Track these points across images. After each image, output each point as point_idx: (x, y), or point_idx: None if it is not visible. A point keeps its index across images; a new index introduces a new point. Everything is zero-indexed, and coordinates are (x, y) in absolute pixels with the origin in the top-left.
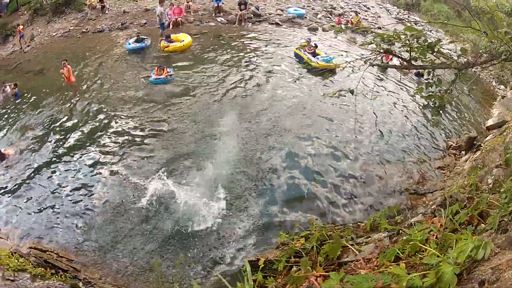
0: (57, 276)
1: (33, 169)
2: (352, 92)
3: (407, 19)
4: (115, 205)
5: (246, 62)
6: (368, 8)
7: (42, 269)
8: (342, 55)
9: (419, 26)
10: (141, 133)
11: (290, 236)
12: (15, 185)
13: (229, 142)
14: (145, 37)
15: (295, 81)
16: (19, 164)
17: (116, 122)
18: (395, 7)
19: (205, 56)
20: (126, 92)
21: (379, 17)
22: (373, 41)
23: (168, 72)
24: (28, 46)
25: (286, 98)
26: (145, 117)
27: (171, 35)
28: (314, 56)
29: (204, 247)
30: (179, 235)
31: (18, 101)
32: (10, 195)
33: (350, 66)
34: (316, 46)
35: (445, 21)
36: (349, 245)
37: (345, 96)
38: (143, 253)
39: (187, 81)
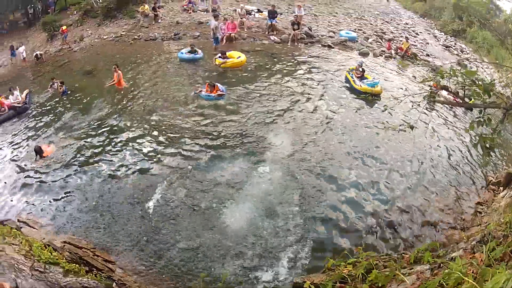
0: (91, 275)
1: (72, 168)
2: (412, 128)
3: (453, 46)
4: (155, 210)
5: (298, 83)
6: (417, 34)
7: (76, 265)
8: (401, 88)
9: (465, 54)
10: (187, 145)
11: (337, 262)
12: (53, 181)
13: (278, 163)
14: (198, 49)
15: (357, 111)
16: (59, 161)
17: (161, 132)
18: (442, 33)
19: (258, 74)
20: (175, 102)
21: (427, 43)
22: (433, 78)
23: (220, 89)
24: (69, 46)
25: (337, 124)
26: (193, 130)
27: (226, 52)
28: (361, 80)
29: (249, 264)
30: (225, 249)
31: (65, 99)
32: (47, 189)
33: (411, 101)
34: (363, 71)
35: (491, 53)
36: (400, 274)
37: (404, 131)
38: (186, 263)
39: (238, 98)
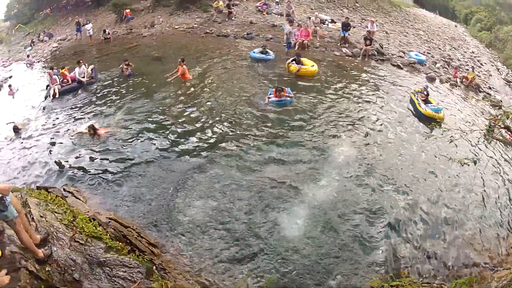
0: (133, 255)
1: (125, 150)
2: (475, 163)
3: None
4: (206, 206)
5: (365, 99)
6: (482, 64)
7: (120, 243)
8: (465, 120)
9: None
10: (247, 145)
11: (381, 283)
12: (105, 160)
13: (338, 175)
14: (270, 51)
15: (420, 135)
16: (113, 142)
17: (221, 128)
18: (505, 67)
19: (327, 85)
20: (241, 100)
21: (490, 75)
22: (499, 118)
23: (287, 92)
24: (131, 29)
25: (397, 143)
26: (255, 131)
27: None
28: (425, 104)
29: (298, 272)
30: (277, 254)
31: (130, 81)
32: (97, 167)
33: (478, 137)
34: (427, 94)
35: None
36: None
37: (468, 165)
38: (231, 260)
39: (305, 107)
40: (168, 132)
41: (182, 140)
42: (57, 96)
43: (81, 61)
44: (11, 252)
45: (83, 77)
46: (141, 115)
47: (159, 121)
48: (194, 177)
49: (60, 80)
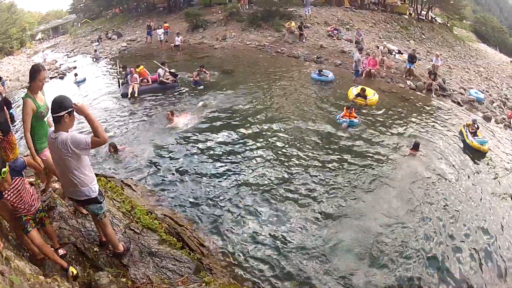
0: (185, 251)
1: (185, 159)
2: None
3: None
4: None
5: (421, 132)
6: None
7: (173, 238)
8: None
9: None
10: (304, 161)
11: None
12: (162, 164)
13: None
14: (328, 71)
15: (472, 169)
16: (178, 149)
17: (280, 146)
18: None
19: (389, 115)
20: (303, 118)
21: None
22: None
23: (355, 115)
24: (174, 46)
25: (444, 174)
26: (312, 150)
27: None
28: (473, 136)
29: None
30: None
31: (196, 91)
32: (155, 169)
33: None
34: (477, 128)
35: None
36: None
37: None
38: (275, 277)
39: (367, 132)
40: (227, 145)
41: (242, 154)
42: (136, 95)
43: (165, 64)
44: (59, 228)
45: (167, 79)
46: (206, 124)
47: (220, 134)
48: (248, 194)
49: (140, 79)
